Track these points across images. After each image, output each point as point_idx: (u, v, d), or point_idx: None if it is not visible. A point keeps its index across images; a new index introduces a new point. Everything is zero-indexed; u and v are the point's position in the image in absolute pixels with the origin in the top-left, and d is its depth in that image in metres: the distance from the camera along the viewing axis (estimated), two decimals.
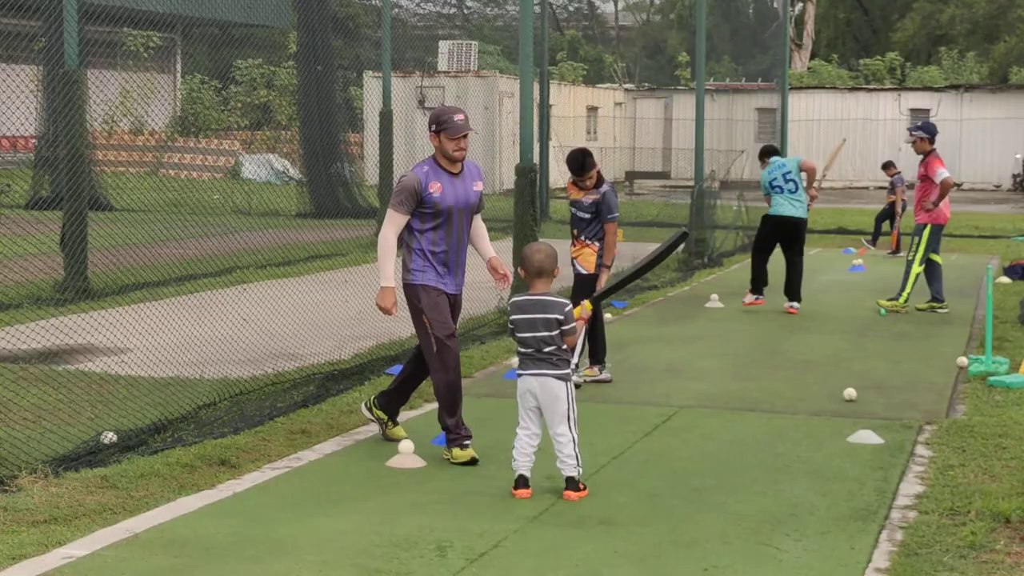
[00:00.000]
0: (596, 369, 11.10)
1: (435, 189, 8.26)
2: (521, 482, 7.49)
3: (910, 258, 15.33)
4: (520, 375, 7.53)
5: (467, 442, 8.29)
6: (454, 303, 8.53)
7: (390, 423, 8.86)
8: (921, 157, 15.27)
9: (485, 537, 6.72)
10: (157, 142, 35.19)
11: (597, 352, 11.09)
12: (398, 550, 6.50)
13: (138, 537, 6.68)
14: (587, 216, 10.98)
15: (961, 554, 6.48)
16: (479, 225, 8.68)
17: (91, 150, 17.56)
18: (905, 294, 15.30)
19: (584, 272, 10.98)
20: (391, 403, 8.84)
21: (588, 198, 10.96)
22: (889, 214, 23.57)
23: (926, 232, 15.21)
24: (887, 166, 24.18)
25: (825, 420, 9.68)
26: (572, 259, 11.10)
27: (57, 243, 14.93)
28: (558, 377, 7.44)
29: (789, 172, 15.59)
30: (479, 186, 8.47)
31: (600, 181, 10.99)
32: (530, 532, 6.86)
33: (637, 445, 8.81)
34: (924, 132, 15.34)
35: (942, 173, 15.01)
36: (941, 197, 15.02)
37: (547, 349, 7.42)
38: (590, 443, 8.79)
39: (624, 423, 9.50)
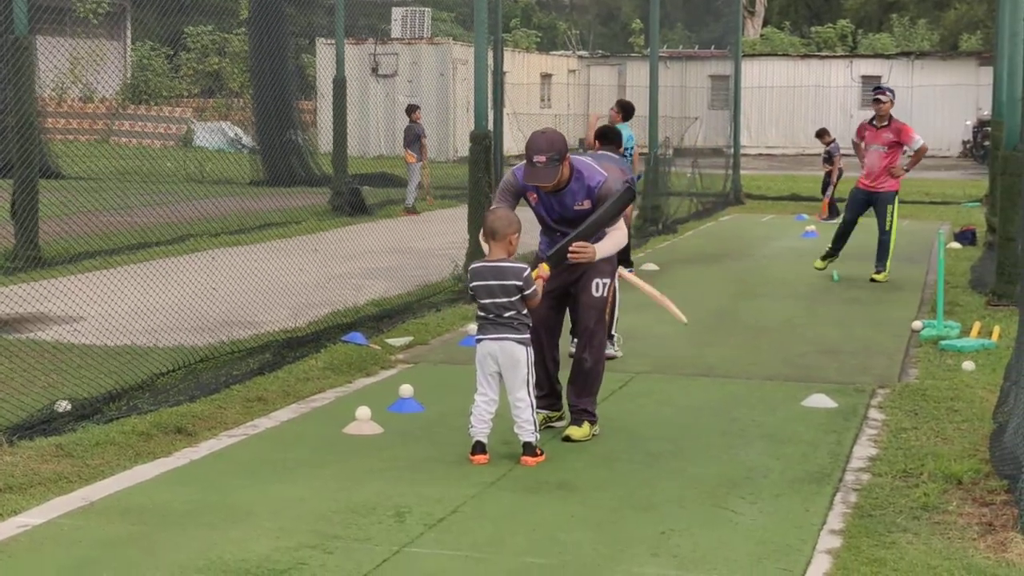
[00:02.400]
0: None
1: (532, 198, 8.06)
2: (478, 448, 7.51)
3: (888, 229, 15.01)
4: (480, 340, 7.54)
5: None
6: (569, 270, 8.03)
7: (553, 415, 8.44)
8: (885, 123, 15.09)
9: (443, 503, 6.74)
10: (108, 109, 34.89)
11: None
12: (356, 516, 6.51)
13: (94, 505, 6.66)
14: None
15: (914, 515, 6.56)
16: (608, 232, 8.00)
17: (41, 118, 17.38)
18: (889, 264, 15.17)
19: None
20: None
21: None
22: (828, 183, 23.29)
23: (896, 199, 15.14)
24: (822, 134, 23.53)
25: (779, 385, 9.75)
26: None
27: (7, 211, 14.80)
28: (518, 341, 7.45)
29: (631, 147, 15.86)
30: (582, 205, 7.90)
31: None
32: (488, 497, 6.88)
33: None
34: (894, 96, 15.29)
35: (920, 140, 15.13)
36: (916, 162, 15.19)
37: (507, 314, 7.43)
38: None
39: None
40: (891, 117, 15.12)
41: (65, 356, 9.79)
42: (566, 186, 7.93)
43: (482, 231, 7.66)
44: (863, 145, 15.34)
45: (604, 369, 8.26)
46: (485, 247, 7.65)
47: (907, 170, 15.11)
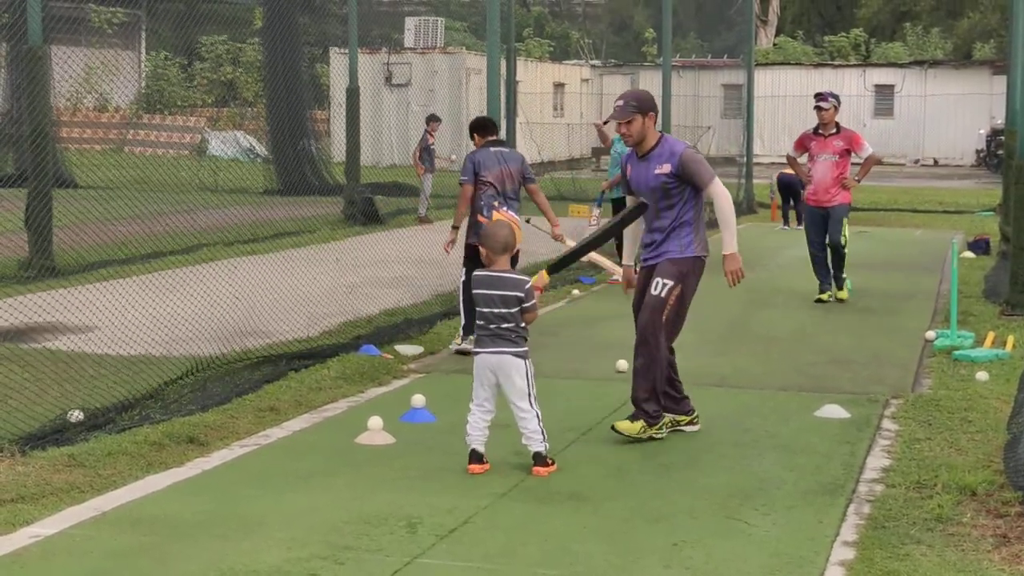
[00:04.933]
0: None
1: (628, 171, 8.46)
2: (475, 457, 7.50)
3: (842, 243, 14.19)
4: (478, 353, 7.54)
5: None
6: (652, 271, 8.35)
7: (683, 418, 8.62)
8: (833, 131, 14.08)
9: (455, 513, 6.73)
10: (122, 119, 34.99)
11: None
12: (368, 527, 6.51)
13: (106, 515, 6.66)
14: None
15: (928, 527, 6.53)
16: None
17: (55, 127, 17.43)
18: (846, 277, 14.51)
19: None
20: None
21: None
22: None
23: (848, 212, 14.41)
24: None
25: (792, 395, 9.73)
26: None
27: (21, 221, 14.83)
28: (516, 355, 7.44)
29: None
30: (662, 169, 8.22)
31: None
32: (500, 508, 6.87)
33: (606, 421, 8.82)
34: (838, 101, 14.26)
35: (869, 148, 14.24)
36: (867, 172, 14.34)
37: (505, 326, 7.42)
38: (559, 419, 8.82)
39: (593, 399, 9.52)
40: (838, 124, 14.21)
41: (78, 366, 9.80)
42: (652, 150, 8.31)
43: (489, 247, 7.62)
44: (810, 157, 14.30)
45: (660, 369, 8.26)
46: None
47: (859, 180, 14.25)
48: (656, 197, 8.29)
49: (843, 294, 14.44)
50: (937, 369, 10.58)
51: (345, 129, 23.78)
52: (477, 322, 7.59)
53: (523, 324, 7.49)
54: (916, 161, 46.94)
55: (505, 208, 11.15)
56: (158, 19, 29.90)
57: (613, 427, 8.26)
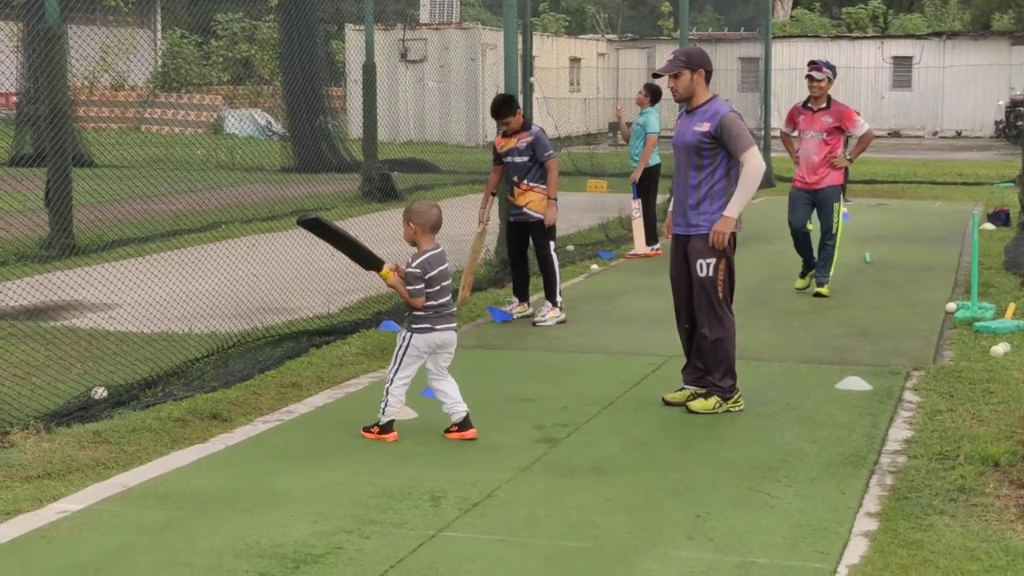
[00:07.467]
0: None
1: (677, 125, 8.55)
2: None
3: (833, 232, 12.79)
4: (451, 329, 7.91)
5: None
6: (685, 244, 8.44)
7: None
8: (823, 105, 12.69)
9: (478, 487, 6.75)
10: (139, 97, 35.01)
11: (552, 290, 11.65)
12: (392, 501, 6.54)
13: (131, 491, 6.71)
14: (525, 160, 11.43)
15: (951, 497, 6.54)
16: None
17: (73, 106, 17.44)
18: (832, 273, 13.02)
19: (537, 215, 11.53)
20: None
21: (523, 142, 11.42)
22: None
23: (842, 196, 13.03)
24: None
25: (813, 367, 9.72)
26: (521, 207, 11.60)
27: (41, 200, 14.88)
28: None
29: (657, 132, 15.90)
30: (701, 127, 8.23)
31: (528, 124, 11.54)
32: (523, 481, 6.90)
33: (627, 395, 8.85)
34: (833, 72, 12.80)
35: (864, 124, 12.88)
36: (862, 151, 13.14)
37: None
38: (580, 393, 8.84)
39: (614, 373, 9.53)
40: (829, 98, 12.68)
41: (101, 343, 9.85)
42: (699, 107, 8.33)
43: (419, 224, 7.91)
44: (796, 133, 12.98)
45: (731, 342, 8.39)
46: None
47: (851, 159, 13.07)
48: (689, 153, 8.31)
49: (824, 290, 12.84)
50: (958, 341, 10.56)
51: (362, 106, 23.76)
52: (438, 302, 7.80)
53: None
54: (935, 133, 46.75)
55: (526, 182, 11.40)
56: None
57: (687, 408, 8.33)
